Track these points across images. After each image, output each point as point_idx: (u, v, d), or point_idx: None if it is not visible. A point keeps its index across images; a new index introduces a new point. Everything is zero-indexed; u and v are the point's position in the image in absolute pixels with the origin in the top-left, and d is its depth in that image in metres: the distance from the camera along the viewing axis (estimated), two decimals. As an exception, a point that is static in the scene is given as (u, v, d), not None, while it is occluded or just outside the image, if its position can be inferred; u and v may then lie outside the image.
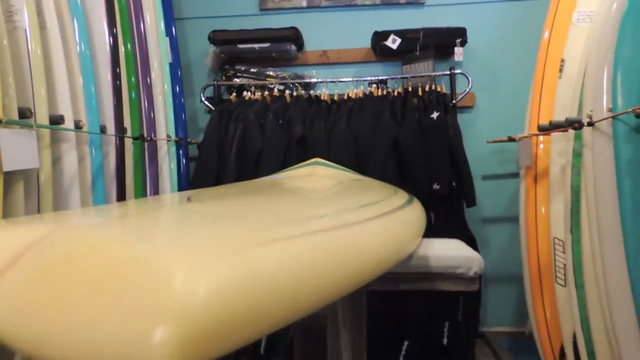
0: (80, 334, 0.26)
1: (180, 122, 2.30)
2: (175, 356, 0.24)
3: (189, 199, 0.57)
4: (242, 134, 2.14)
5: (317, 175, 1.06)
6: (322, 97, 2.33)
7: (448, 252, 0.81)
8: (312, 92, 2.41)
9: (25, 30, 1.27)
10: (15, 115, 1.16)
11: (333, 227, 0.43)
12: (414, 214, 0.67)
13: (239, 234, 0.38)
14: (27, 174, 1.20)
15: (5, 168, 1.05)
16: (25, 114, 1.20)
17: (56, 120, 1.33)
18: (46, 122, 1.28)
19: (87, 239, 0.33)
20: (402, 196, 0.78)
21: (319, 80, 2.46)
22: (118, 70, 1.69)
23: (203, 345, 0.25)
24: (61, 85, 1.39)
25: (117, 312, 0.25)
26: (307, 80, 2.49)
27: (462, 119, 2.40)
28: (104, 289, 0.27)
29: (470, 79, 2.32)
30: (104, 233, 0.36)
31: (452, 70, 2.33)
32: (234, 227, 0.41)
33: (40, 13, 1.37)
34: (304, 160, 2.10)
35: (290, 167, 1.49)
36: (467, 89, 2.34)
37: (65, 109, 1.38)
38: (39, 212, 1.25)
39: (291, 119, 2.18)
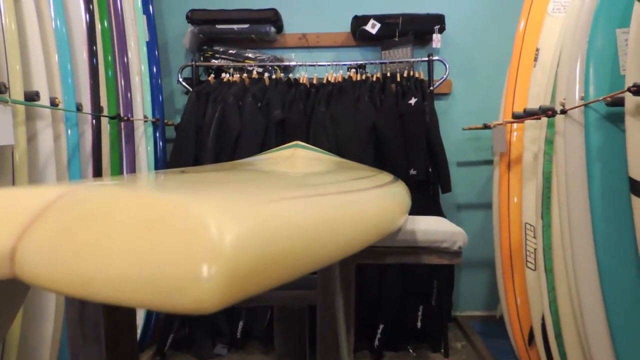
0: (128, 271, 0.28)
1: (157, 102, 2.27)
2: (221, 289, 0.27)
3: (182, 172, 0.57)
4: (221, 116, 2.13)
5: (299, 157, 1.08)
6: (301, 81, 2.33)
7: (433, 227, 0.84)
8: (291, 75, 2.40)
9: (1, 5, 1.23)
10: (-11, 91, 1.13)
11: (338, 191, 0.45)
12: (402, 189, 0.70)
13: (257, 191, 0.41)
14: (1, 151, 1.17)
15: (-20, 144, 1.03)
16: (0, 88, 1.17)
17: (31, 97, 1.30)
18: (21, 98, 1.25)
19: (117, 192, 0.35)
20: (386, 175, 0.80)
21: (298, 63, 2.45)
22: (94, 48, 1.65)
23: (242, 281, 0.28)
24: (36, 61, 1.36)
25: (163, 251, 0.28)
26: (286, 64, 2.48)
27: (438, 105, 2.44)
28: (146, 232, 0.29)
29: (447, 66, 2.35)
30: (128, 189, 0.37)
31: (430, 57, 2.36)
32: (250, 187, 0.44)
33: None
34: (282, 143, 2.10)
35: (270, 150, 1.50)
36: (444, 76, 2.37)
37: (40, 85, 1.35)
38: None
39: (270, 102, 2.17)
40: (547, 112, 1.49)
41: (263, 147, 2.07)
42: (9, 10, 1.25)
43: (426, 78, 2.34)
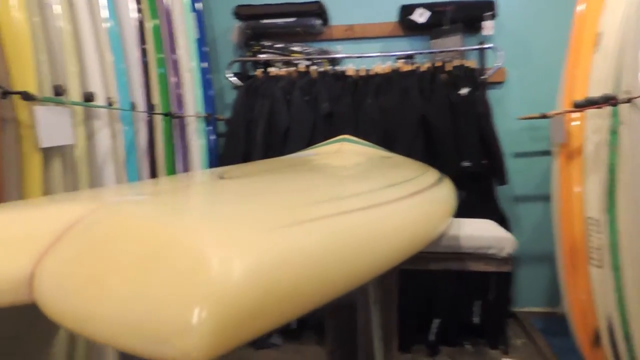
0: (119, 312, 0.26)
1: (208, 98, 2.30)
2: (211, 337, 0.24)
3: (221, 177, 0.56)
4: (269, 111, 2.14)
5: (345, 152, 1.05)
6: (348, 73, 2.30)
7: (480, 232, 0.79)
8: (338, 67, 2.38)
9: (55, 11, 1.27)
10: (49, 93, 1.17)
11: (364, 206, 0.42)
12: (445, 193, 0.66)
13: (271, 213, 0.38)
14: (63, 150, 1.22)
15: (42, 144, 1.07)
16: (58, 91, 1.21)
17: (88, 97, 1.34)
18: (79, 99, 1.29)
19: (125, 218, 0.34)
20: (432, 174, 0.76)
21: (345, 55, 2.42)
22: (145, 46, 1.69)
23: (238, 326, 0.26)
24: (92, 62, 1.40)
25: (156, 292, 0.26)
26: (333, 56, 2.46)
27: (492, 95, 2.35)
28: (143, 268, 0.27)
29: (500, 53, 2.26)
30: (141, 211, 0.36)
31: (482, 45, 2.27)
32: (267, 206, 0.41)
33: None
34: (330, 137, 2.09)
35: (318, 144, 1.48)
36: (497, 64, 2.28)
37: (96, 85, 1.40)
38: (75, 187, 1.27)
39: (318, 95, 2.16)
40: (610, 100, 1.40)
41: (311, 141, 2.06)
42: (65, 13, 1.29)
43: (478, 67, 2.26)
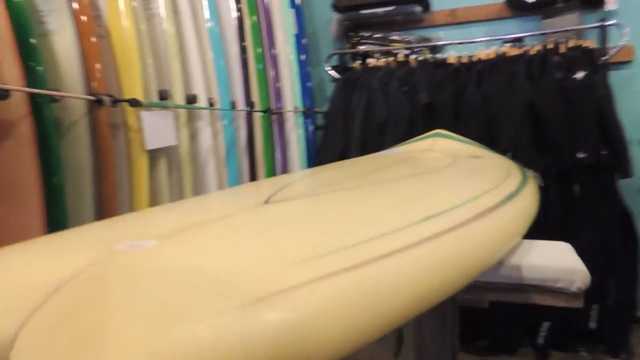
0: None
1: (307, 92, 2.33)
2: None
3: (267, 200, 0.50)
4: (366, 103, 2.11)
5: (434, 151, 1.01)
6: (449, 61, 2.20)
7: (547, 260, 0.66)
8: (438, 55, 2.28)
9: (161, 16, 1.36)
10: (155, 97, 1.26)
11: (404, 246, 0.37)
12: (521, 206, 0.57)
13: (262, 279, 0.33)
14: (168, 151, 1.31)
15: (148, 147, 1.15)
16: (163, 95, 1.30)
17: (190, 100, 1.42)
18: (182, 101, 1.38)
19: (119, 279, 0.33)
20: (514, 179, 0.67)
21: (447, 42, 2.32)
22: (244, 44, 1.75)
23: None
24: (194, 65, 1.47)
25: None
26: (434, 43, 2.36)
27: (616, 76, 2.10)
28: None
29: (626, 30, 2.02)
30: (129, 275, 0.34)
31: (603, 22, 2.04)
32: (264, 264, 0.36)
33: (174, -1, 1.45)
34: (429, 128, 2.02)
35: (411, 140, 1.44)
36: (622, 42, 2.03)
37: (198, 87, 1.47)
38: (180, 185, 1.36)
39: (416, 85, 2.09)
40: None
41: (409, 133, 2.00)
42: (169, 16, 1.37)
43: (598, 47, 2.03)
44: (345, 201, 0.49)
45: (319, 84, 2.69)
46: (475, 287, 0.60)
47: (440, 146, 1.11)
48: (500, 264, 0.43)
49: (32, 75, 0.93)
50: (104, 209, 1.04)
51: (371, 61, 2.35)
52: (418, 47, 2.37)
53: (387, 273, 0.32)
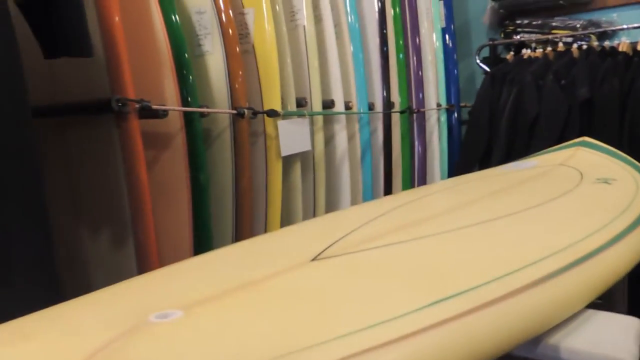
0: None
1: (453, 88, 2.26)
2: None
3: (316, 257, 0.46)
4: (516, 98, 1.98)
5: (568, 166, 0.91)
6: (620, 49, 1.94)
7: (590, 346, 0.49)
8: (607, 43, 2.03)
9: (304, 26, 1.45)
10: (293, 105, 1.36)
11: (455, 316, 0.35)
12: (601, 269, 0.47)
13: None
14: (302, 155, 1.40)
15: (283, 153, 1.26)
16: (301, 103, 1.39)
17: (327, 105, 1.50)
18: (319, 108, 1.46)
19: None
20: (615, 228, 0.54)
21: (620, 27, 2.05)
22: (386, 44, 1.76)
23: None
24: (333, 70, 1.54)
25: None
26: (605, 29, 2.10)
27: None
28: None
29: None
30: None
31: None
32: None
33: (316, 7, 1.53)
34: (588, 128, 1.83)
35: (553, 148, 1.32)
36: None
37: (336, 92, 1.54)
38: (315, 187, 1.45)
39: (576, 79, 1.90)
40: None
41: (564, 133, 1.84)
42: (310, 30, 1.45)
43: None
44: (425, 254, 0.49)
45: (470, 77, 2.58)
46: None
47: (578, 159, 1.00)
48: (539, 339, 0.38)
49: (185, 93, 1.08)
50: (240, 206, 1.17)
51: (526, 52, 2.18)
52: (584, 33, 2.14)
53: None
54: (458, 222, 0.59)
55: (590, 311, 0.40)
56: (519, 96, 1.98)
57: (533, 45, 2.21)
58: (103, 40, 0.93)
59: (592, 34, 2.11)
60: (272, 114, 1.23)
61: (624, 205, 0.59)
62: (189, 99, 1.08)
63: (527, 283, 0.40)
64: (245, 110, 1.16)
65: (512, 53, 2.23)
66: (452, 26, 2.32)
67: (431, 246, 0.51)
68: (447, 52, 2.25)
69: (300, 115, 1.35)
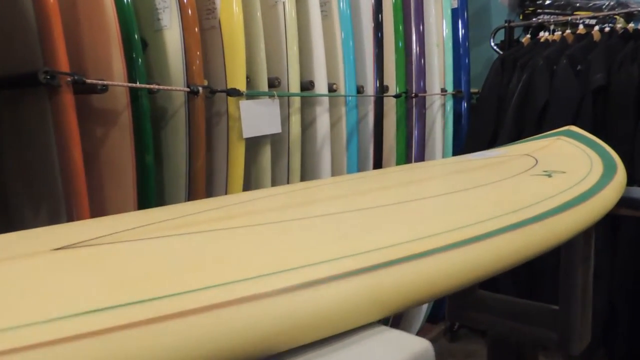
0: None
1: (463, 73, 2.13)
2: None
3: (64, 247, 0.38)
4: (526, 84, 1.84)
5: (530, 156, 0.81)
6: (646, 32, 1.77)
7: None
8: (631, 25, 1.85)
9: (284, 3, 1.37)
10: (265, 85, 1.29)
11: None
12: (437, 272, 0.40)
13: None
14: (274, 138, 1.34)
15: (245, 135, 1.19)
16: (273, 83, 1.32)
17: (306, 86, 1.42)
18: (297, 89, 1.38)
19: None
20: (507, 220, 0.48)
21: (649, 7, 1.86)
22: (381, 21, 1.66)
23: None
24: (317, 52, 1.46)
25: None
26: (632, 9, 1.92)
27: None
28: None
29: None
30: None
31: None
32: None
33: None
34: (603, 117, 1.68)
35: (535, 137, 1.20)
36: None
37: (318, 74, 1.46)
38: (288, 172, 1.39)
39: (592, 64, 1.74)
40: None
41: (575, 122, 1.69)
42: (291, 5, 1.38)
43: None
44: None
45: (487, 62, 2.43)
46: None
47: (550, 150, 0.90)
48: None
49: (134, 69, 1.03)
50: (193, 189, 1.13)
51: (543, 35, 2.03)
52: (608, 14, 1.96)
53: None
54: (294, 214, 0.52)
55: (379, 328, 0.32)
56: (529, 82, 1.84)
57: (552, 27, 2.05)
58: (35, 9, 0.89)
59: (618, 14, 1.94)
60: (234, 93, 1.17)
61: (529, 202, 0.50)
62: (135, 74, 1.03)
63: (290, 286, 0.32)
64: (200, 88, 1.10)
65: (528, 36, 2.08)
66: (466, 7, 2.18)
67: (223, 237, 0.43)
68: (457, 35, 2.12)
69: (271, 96, 1.28)
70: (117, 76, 1.01)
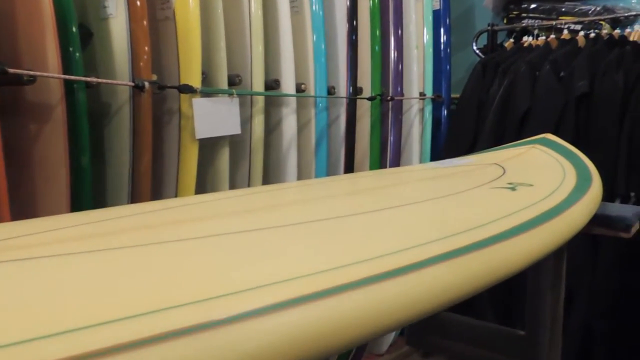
0: None
1: (444, 77, 2.05)
2: None
3: None
4: (507, 90, 1.77)
5: (499, 166, 0.73)
6: (632, 38, 1.71)
7: None
8: (617, 31, 1.79)
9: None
10: (224, 82, 1.20)
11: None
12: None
13: None
14: (233, 140, 1.25)
15: (198, 135, 1.10)
16: (234, 80, 1.23)
17: (270, 85, 1.33)
18: (260, 87, 1.29)
19: None
20: (442, 248, 0.38)
21: (638, 12, 1.80)
22: (355, 23, 1.58)
23: None
24: (284, 50, 1.37)
25: None
26: (618, 15, 1.86)
27: None
28: None
29: None
30: None
31: None
32: None
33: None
34: (586, 126, 1.61)
35: (510, 144, 1.12)
36: None
37: (285, 72, 1.37)
38: (249, 177, 1.30)
39: (575, 70, 1.67)
40: None
41: (557, 130, 1.62)
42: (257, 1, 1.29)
43: None
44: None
45: (470, 67, 2.35)
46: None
47: (521, 159, 0.82)
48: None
49: (69, 62, 0.94)
50: (136, 192, 1.03)
51: (527, 40, 1.96)
52: (593, 19, 1.90)
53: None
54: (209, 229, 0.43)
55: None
56: (511, 87, 1.77)
57: (535, 32, 1.98)
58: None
59: (603, 20, 1.87)
60: (185, 89, 1.07)
61: (476, 224, 0.42)
62: (71, 66, 0.94)
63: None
64: (146, 83, 1.01)
65: (511, 40, 2.02)
66: (448, 10, 2.11)
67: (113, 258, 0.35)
68: (439, 38, 2.04)
69: (229, 94, 1.19)
70: (51, 68, 0.91)
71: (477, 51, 2.13)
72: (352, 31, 1.58)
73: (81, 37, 1.08)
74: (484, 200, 0.55)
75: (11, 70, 0.83)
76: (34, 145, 0.95)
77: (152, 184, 1.12)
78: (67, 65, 0.93)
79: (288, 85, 1.37)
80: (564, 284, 0.70)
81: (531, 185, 0.58)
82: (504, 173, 0.67)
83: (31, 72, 0.87)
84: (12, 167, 0.99)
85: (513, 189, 0.56)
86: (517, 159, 0.83)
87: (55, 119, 0.93)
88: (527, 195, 0.54)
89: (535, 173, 0.70)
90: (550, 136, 1.07)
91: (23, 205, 0.94)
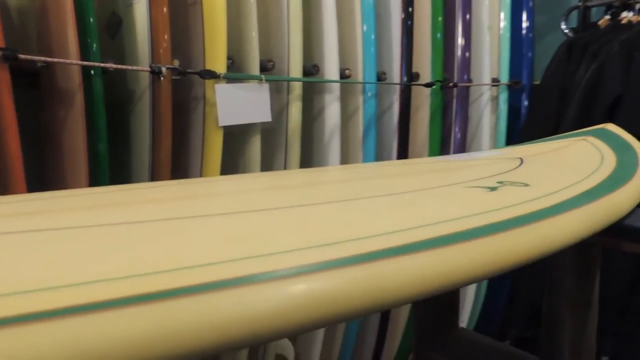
0: None
1: (525, 62, 1.84)
2: None
3: None
4: (595, 73, 1.53)
5: (524, 159, 0.59)
6: None
7: None
8: None
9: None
10: (256, 68, 1.15)
11: None
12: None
13: None
14: (269, 127, 1.20)
15: (221, 123, 1.06)
16: (266, 66, 1.18)
17: (309, 71, 1.26)
18: (298, 73, 1.23)
19: None
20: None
21: None
22: (410, 9, 1.46)
23: None
24: (328, 33, 1.29)
25: None
26: None
27: None
28: None
29: None
30: None
31: None
32: None
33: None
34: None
35: (559, 135, 0.94)
36: None
37: (329, 57, 1.29)
38: (284, 166, 1.24)
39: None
40: None
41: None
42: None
43: None
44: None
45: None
46: None
47: (561, 153, 0.66)
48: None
49: (87, 50, 0.94)
50: (156, 179, 1.02)
51: (626, 16, 1.69)
52: None
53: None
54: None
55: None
56: (600, 71, 1.53)
57: (637, 6, 1.70)
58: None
59: None
60: (207, 74, 1.04)
61: (421, 223, 0.31)
62: (88, 54, 0.94)
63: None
64: (164, 69, 0.99)
65: (607, 17, 1.75)
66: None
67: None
68: (519, 17, 1.83)
69: (259, 80, 1.14)
70: (71, 56, 0.92)
71: (567, 32, 1.88)
72: (407, 18, 1.45)
73: (113, 24, 1.09)
74: (442, 199, 0.43)
75: (21, 56, 0.84)
76: (58, 131, 0.97)
77: (179, 172, 1.11)
78: (85, 53, 0.94)
79: (330, 70, 1.29)
80: (595, 309, 0.55)
81: (526, 185, 0.45)
82: (511, 169, 0.54)
83: (42, 58, 0.88)
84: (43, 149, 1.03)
85: (493, 189, 0.43)
86: (550, 154, 0.68)
87: (75, 107, 0.94)
88: (503, 197, 0.41)
89: (551, 171, 0.55)
90: (610, 126, 0.88)
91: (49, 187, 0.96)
